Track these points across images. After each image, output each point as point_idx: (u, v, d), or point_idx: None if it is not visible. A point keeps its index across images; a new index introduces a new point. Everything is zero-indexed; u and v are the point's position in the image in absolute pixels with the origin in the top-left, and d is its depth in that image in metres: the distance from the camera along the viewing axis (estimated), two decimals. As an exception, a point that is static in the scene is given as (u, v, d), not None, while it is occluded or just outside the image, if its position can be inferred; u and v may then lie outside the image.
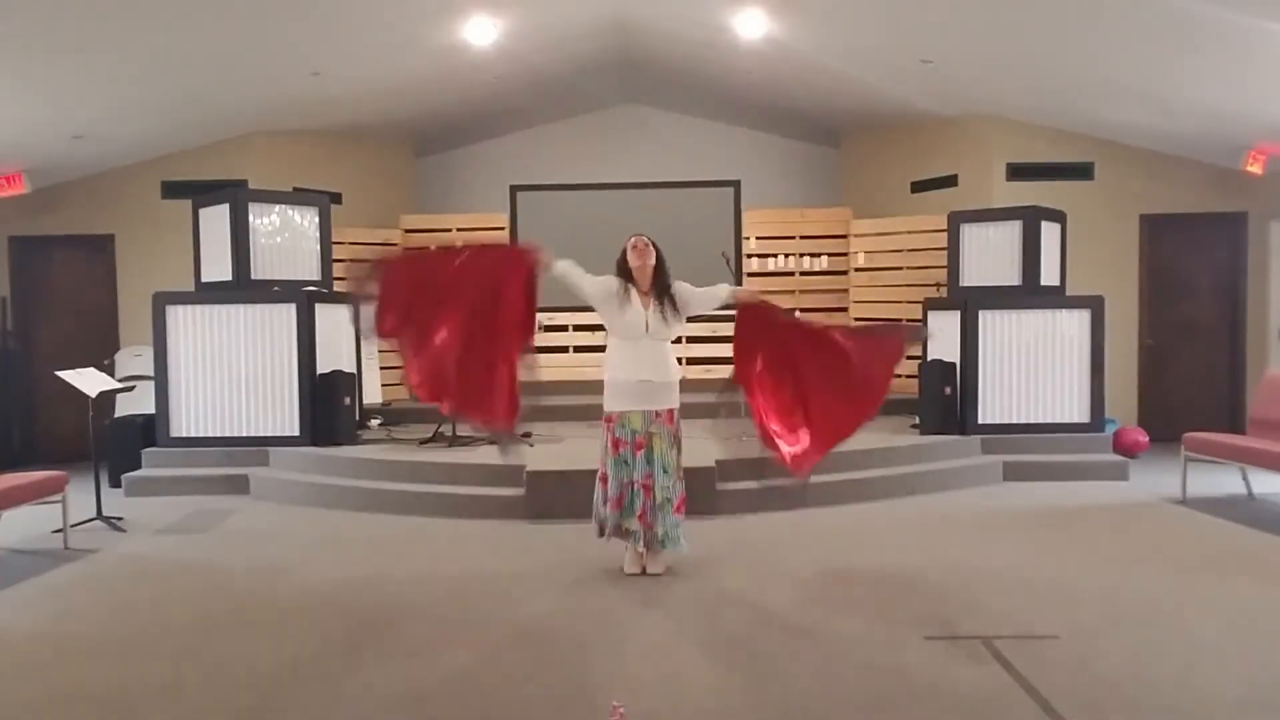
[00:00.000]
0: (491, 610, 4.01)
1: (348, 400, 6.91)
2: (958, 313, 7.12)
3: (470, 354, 4.11)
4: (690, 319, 4.69)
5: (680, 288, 4.47)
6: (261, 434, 6.84)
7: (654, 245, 4.45)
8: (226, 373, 6.85)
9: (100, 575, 4.68)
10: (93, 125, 7.13)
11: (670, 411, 4.43)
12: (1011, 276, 7.22)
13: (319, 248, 7.38)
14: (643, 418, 4.38)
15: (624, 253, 4.45)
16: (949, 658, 3.37)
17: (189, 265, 7.28)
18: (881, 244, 8.75)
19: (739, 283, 7.75)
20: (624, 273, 4.43)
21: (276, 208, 7.21)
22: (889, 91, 7.98)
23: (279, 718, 3.00)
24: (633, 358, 4.39)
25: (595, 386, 7.50)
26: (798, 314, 5.90)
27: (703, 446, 5.20)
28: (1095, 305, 7.08)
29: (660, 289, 4.42)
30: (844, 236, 9.00)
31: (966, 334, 7.04)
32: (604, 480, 4.47)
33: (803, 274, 9.08)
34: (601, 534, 4.51)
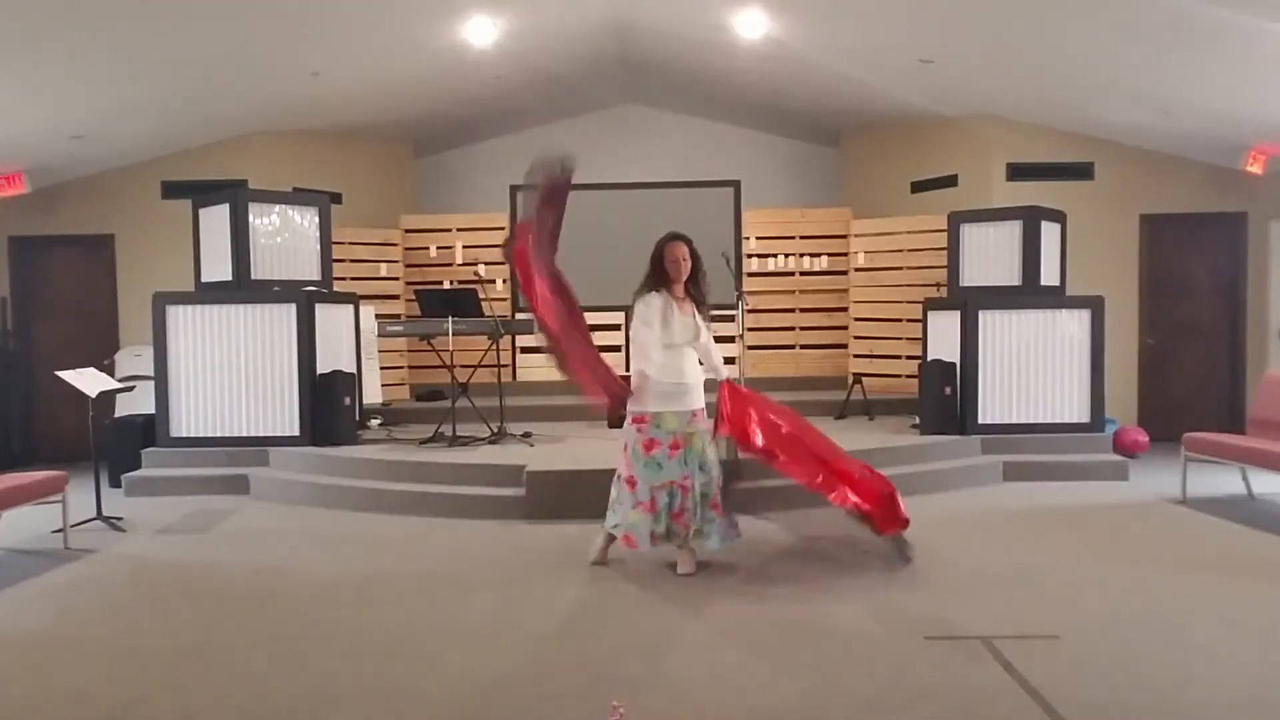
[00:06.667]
0: (491, 610, 4.01)
1: (348, 400, 6.91)
2: (958, 313, 7.12)
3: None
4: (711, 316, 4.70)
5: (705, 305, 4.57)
6: (261, 434, 6.84)
7: (690, 248, 4.49)
8: (226, 373, 6.85)
9: (100, 575, 4.68)
10: (93, 125, 7.13)
11: (703, 410, 4.50)
12: (1011, 276, 7.22)
13: (319, 248, 7.38)
14: (678, 418, 4.39)
15: (659, 255, 4.47)
16: (949, 658, 3.37)
17: (189, 265, 7.28)
18: (881, 244, 8.75)
19: (739, 284, 7.75)
20: (661, 279, 4.46)
21: (276, 208, 7.21)
22: (889, 91, 7.98)
23: (279, 717, 3.00)
24: (670, 361, 4.41)
25: (595, 386, 7.39)
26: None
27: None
28: (1095, 305, 7.08)
29: (693, 294, 4.51)
30: (844, 236, 9.00)
31: (966, 334, 7.04)
32: (631, 483, 4.44)
33: (803, 274, 9.08)
34: (631, 544, 4.43)
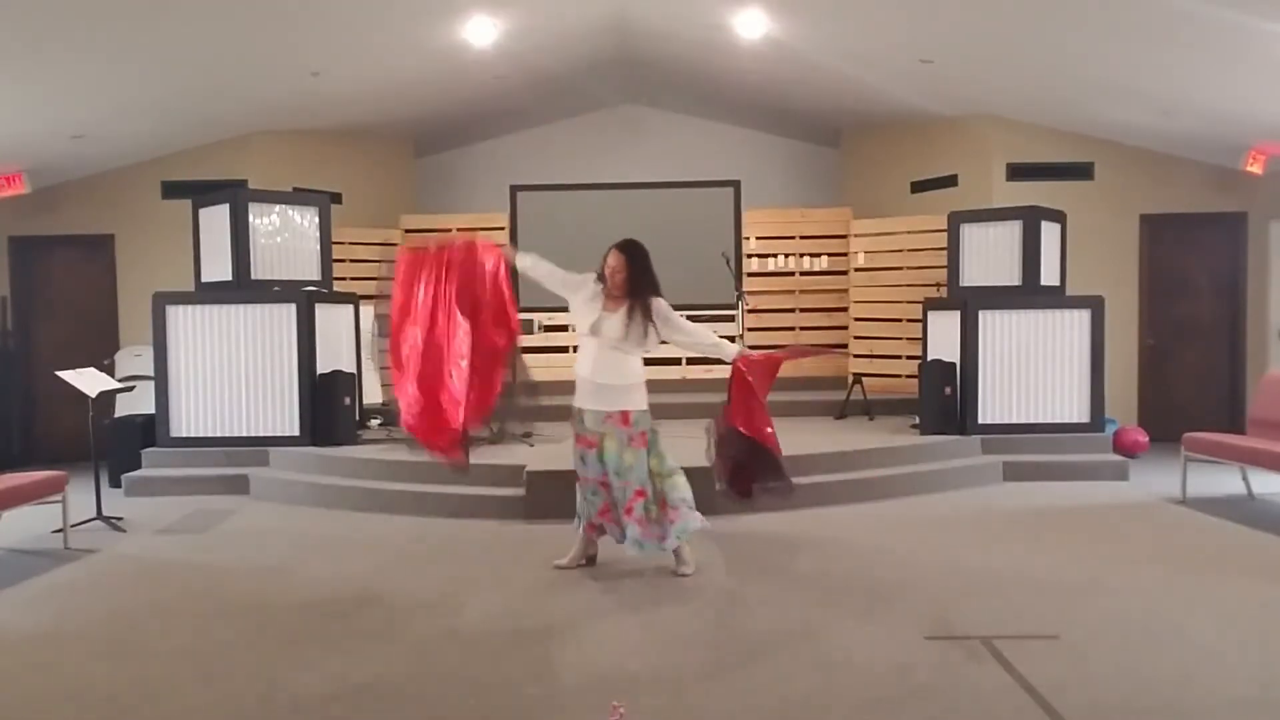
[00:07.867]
0: (491, 610, 4.01)
1: (348, 400, 6.91)
2: (958, 313, 7.12)
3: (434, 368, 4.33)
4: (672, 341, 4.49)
5: (660, 309, 4.34)
6: (261, 434, 6.84)
7: (635, 258, 4.34)
8: (226, 373, 6.85)
9: (100, 575, 4.68)
10: (93, 125, 7.13)
11: (622, 414, 4.32)
12: (1011, 276, 7.22)
13: (319, 248, 7.38)
14: (593, 417, 4.36)
15: (606, 257, 4.44)
16: (949, 658, 3.37)
17: (189, 265, 7.28)
18: (881, 244, 8.75)
19: (739, 284, 7.75)
20: (603, 276, 4.42)
21: (276, 208, 7.21)
22: (889, 91, 7.98)
23: (278, 718, 3.00)
24: (590, 357, 4.38)
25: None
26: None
27: (699, 447, 5.19)
28: (1095, 305, 7.08)
29: (634, 301, 4.30)
30: (844, 236, 9.00)
31: (966, 334, 7.04)
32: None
33: (803, 274, 9.08)
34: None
